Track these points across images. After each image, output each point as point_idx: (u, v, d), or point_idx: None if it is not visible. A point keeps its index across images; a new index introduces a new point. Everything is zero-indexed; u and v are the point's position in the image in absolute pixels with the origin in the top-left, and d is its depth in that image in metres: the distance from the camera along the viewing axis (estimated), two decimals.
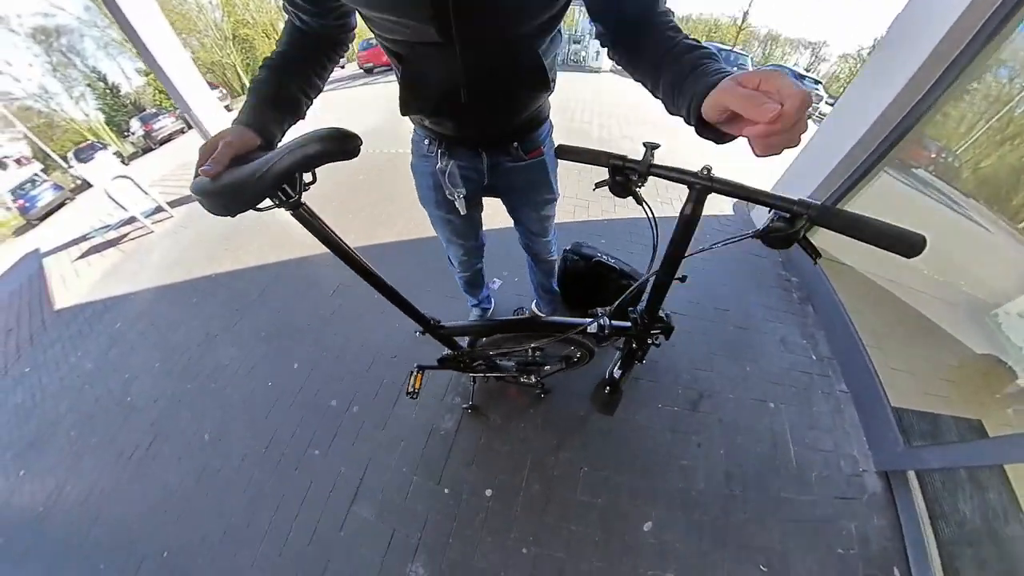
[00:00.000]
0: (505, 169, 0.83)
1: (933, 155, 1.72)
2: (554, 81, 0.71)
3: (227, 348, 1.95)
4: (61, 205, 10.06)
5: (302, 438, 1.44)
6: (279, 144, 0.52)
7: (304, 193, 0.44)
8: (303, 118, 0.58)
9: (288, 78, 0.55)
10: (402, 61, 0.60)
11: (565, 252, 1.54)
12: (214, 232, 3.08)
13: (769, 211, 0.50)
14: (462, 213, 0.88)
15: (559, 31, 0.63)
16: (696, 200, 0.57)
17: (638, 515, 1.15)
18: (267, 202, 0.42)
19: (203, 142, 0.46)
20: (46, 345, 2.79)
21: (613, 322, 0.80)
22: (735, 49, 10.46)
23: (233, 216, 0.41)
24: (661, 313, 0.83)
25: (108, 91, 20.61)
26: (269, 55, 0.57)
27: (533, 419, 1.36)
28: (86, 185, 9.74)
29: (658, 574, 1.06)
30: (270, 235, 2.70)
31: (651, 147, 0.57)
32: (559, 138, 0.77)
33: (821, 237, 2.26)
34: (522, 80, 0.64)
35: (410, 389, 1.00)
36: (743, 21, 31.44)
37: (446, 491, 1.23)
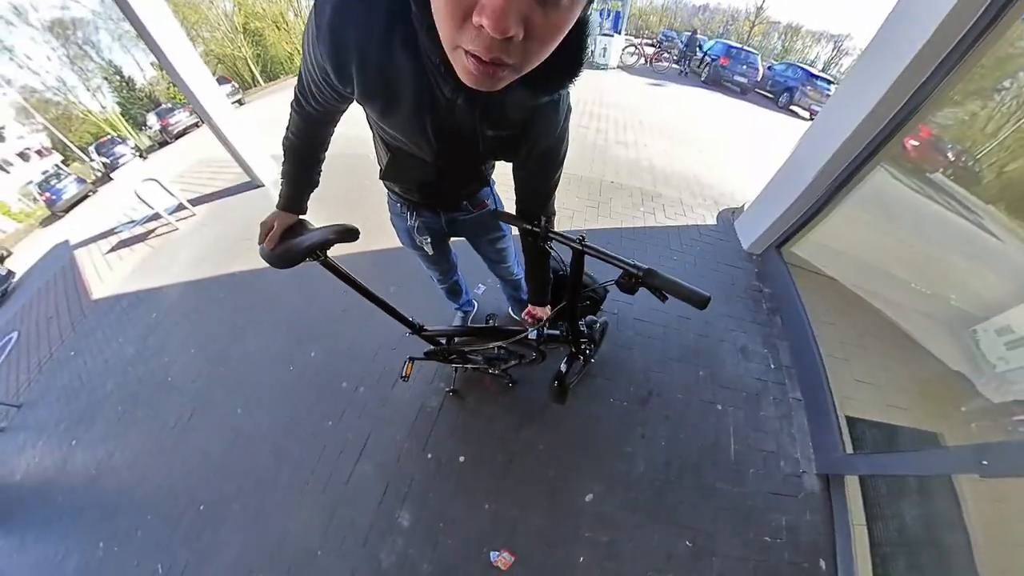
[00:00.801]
0: (459, 221, 1.06)
1: (952, 159, 1.64)
2: (490, 173, 0.97)
3: (253, 338, 2.28)
4: (84, 198, 10.64)
5: (317, 411, 1.76)
6: (306, 211, 0.84)
7: (328, 252, 0.74)
8: (319, 185, 0.86)
9: (306, 167, 0.81)
10: (391, 151, 0.75)
11: None
12: (234, 231, 3.43)
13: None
14: (429, 253, 1.15)
15: None
16: (576, 259, 0.81)
17: (582, 488, 1.39)
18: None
19: (262, 219, 0.79)
20: (87, 332, 3.16)
21: (547, 331, 1.09)
22: (745, 47, 10.21)
23: (286, 268, 0.72)
24: (583, 328, 1.10)
25: (124, 84, 21.36)
26: (285, 145, 0.78)
27: (502, 403, 1.63)
28: (107, 179, 10.26)
29: (595, 535, 1.28)
30: None
31: (546, 223, 0.80)
32: None
33: (803, 247, 2.13)
34: (471, 181, 0.91)
35: (403, 375, 1.28)
36: (756, 16, 30.44)
37: (429, 456, 1.52)
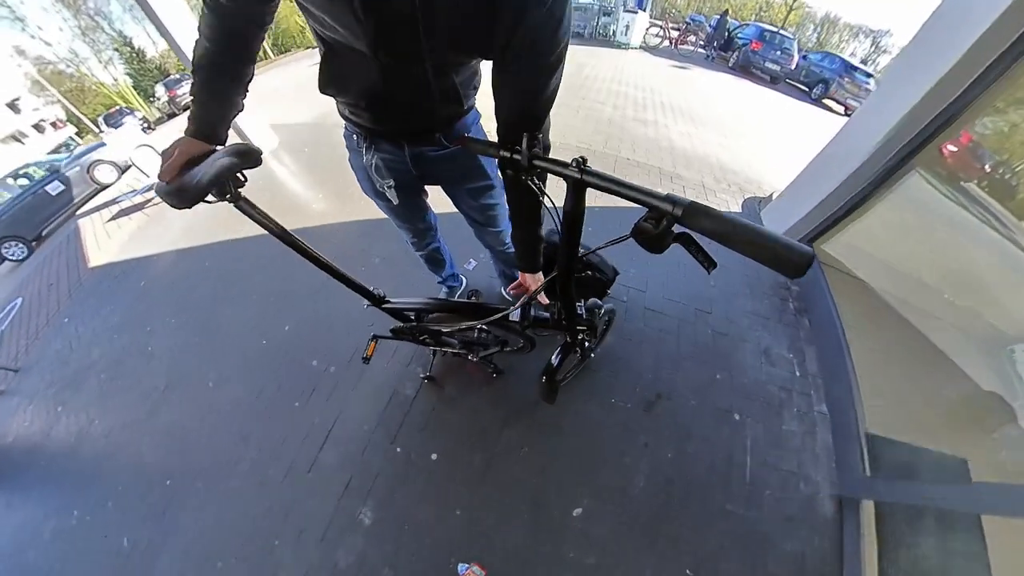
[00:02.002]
0: (429, 159, 0.86)
1: (988, 170, 1.57)
2: (471, 96, 0.78)
3: (232, 308, 2.22)
4: None
5: (286, 391, 1.67)
6: (224, 141, 0.65)
7: (242, 189, 0.58)
8: (243, 109, 0.68)
9: (220, 82, 0.64)
10: (328, 48, 0.65)
11: None
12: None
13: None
14: (394, 203, 0.95)
15: (478, 66, 0.71)
16: (574, 196, 0.54)
17: (569, 501, 1.24)
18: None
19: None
20: (82, 299, 3.24)
21: (534, 313, 0.88)
22: (781, 31, 9.46)
23: (188, 208, 0.55)
24: (581, 311, 0.88)
25: (134, 55, 21.87)
26: (197, 53, 0.62)
27: (485, 396, 1.47)
28: None
29: (579, 557, 1.14)
30: (276, 204, 2.94)
31: (531, 140, 0.53)
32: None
33: (834, 246, 2.13)
34: (435, 99, 0.70)
35: (365, 355, 1.13)
36: (795, 0, 28.37)
37: (398, 450, 1.39)
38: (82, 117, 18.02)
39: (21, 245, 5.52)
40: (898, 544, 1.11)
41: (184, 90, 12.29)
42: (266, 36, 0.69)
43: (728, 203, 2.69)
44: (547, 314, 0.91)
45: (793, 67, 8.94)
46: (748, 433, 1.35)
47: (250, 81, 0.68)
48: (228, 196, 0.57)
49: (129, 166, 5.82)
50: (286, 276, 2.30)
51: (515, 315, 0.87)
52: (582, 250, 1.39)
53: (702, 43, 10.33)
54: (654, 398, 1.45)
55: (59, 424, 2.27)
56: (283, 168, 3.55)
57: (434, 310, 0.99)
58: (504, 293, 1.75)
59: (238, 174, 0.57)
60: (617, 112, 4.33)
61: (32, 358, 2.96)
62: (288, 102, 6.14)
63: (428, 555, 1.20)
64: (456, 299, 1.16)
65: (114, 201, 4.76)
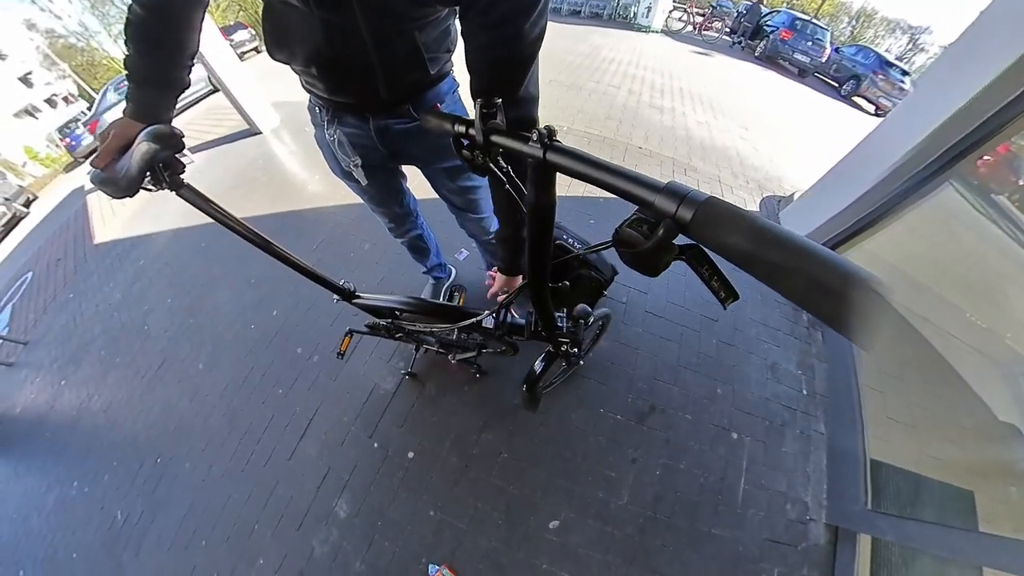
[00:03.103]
0: (396, 133, 0.78)
1: (1022, 183, 1.49)
2: (441, 61, 0.68)
3: (225, 291, 2.26)
4: None
5: (271, 377, 1.71)
6: (169, 122, 0.58)
7: (183, 175, 0.53)
8: (188, 85, 0.61)
9: (159, 55, 0.57)
10: (266, 6, 0.59)
11: None
12: (226, 180, 3.42)
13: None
14: (363, 183, 0.88)
15: (451, 24, 0.62)
16: (539, 181, 0.41)
17: (547, 511, 1.22)
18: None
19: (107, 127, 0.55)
20: (86, 275, 3.36)
21: (511, 319, 0.83)
22: (815, 20, 8.92)
23: (123, 198, 0.54)
24: (561, 322, 0.81)
25: None
26: (130, 23, 0.55)
27: (466, 397, 1.46)
28: None
29: (553, 569, 1.13)
30: (272, 187, 2.97)
31: (487, 106, 0.41)
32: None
33: (855, 255, 2.03)
34: (394, 62, 0.62)
35: (339, 350, 1.12)
36: None
37: (375, 445, 1.41)
38: (93, 92, 18.44)
39: None
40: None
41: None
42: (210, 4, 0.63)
43: (746, 200, 2.57)
44: (521, 321, 0.85)
45: (824, 60, 8.47)
46: (745, 453, 1.31)
47: (194, 55, 0.61)
48: (165, 184, 0.52)
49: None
50: (275, 260, 2.33)
51: (488, 321, 0.81)
52: (578, 248, 1.32)
53: (727, 30, 9.93)
54: (647, 410, 1.40)
55: (62, 397, 2.40)
56: (283, 147, 3.57)
57: (405, 310, 0.96)
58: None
59: (176, 158, 0.52)
60: (632, 97, 4.16)
61: (40, 332, 3.11)
62: (290, 79, 6.10)
63: (400, 552, 1.22)
64: (429, 299, 1.12)
65: None
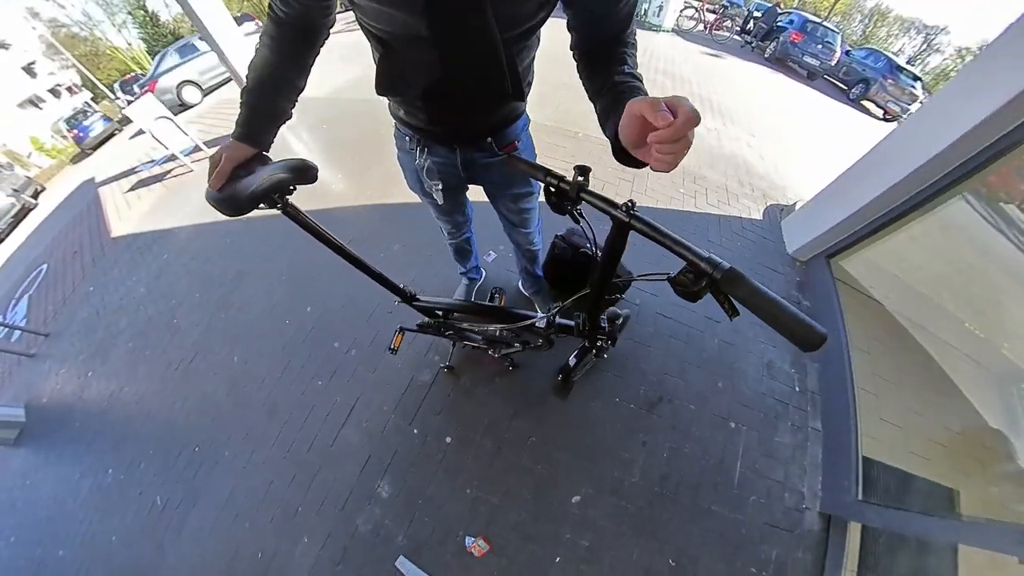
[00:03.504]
0: (479, 165, 0.92)
1: None
2: (528, 88, 0.79)
3: (254, 286, 2.36)
4: (110, 136, 11.38)
5: (309, 369, 1.81)
6: (270, 146, 0.70)
7: (290, 196, 0.63)
8: (291, 117, 0.72)
9: (274, 90, 0.68)
10: (384, 46, 0.65)
11: (556, 237, 1.67)
12: None
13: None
14: (440, 203, 1.01)
15: (537, 37, 0.72)
16: (617, 234, 0.58)
17: (569, 488, 1.37)
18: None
19: (212, 153, 0.64)
20: (105, 268, 3.44)
21: (559, 320, 0.95)
22: (825, 23, 8.95)
23: (237, 216, 0.59)
24: (603, 323, 0.93)
25: (148, 19, 21.98)
26: (255, 60, 0.67)
27: (498, 387, 1.60)
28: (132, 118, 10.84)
29: (575, 539, 1.29)
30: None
31: (582, 170, 0.55)
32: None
33: (853, 264, 1.93)
34: (497, 88, 0.69)
35: (391, 346, 1.23)
36: None
37: (415, 431, 1.54)
38: (97, 82, 18.35)
39: None
40: (877, 564, 1.19)
41: None
42: (317, 51, 0.74)
43: (751, 209, 2.67)
44: (571, 323, 0.98)
45: (834, 63, 8.47)
46: (741, 441, 1.45)
47: (300, 92, 0.73)
48: (279, 205, 0.62)
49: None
50: (305, 255, 2.42)
51: (541, 323, 0.95)
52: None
53: (738, 29, 9.84)
54: (656, 400, 1.55)
55: (90, 388, 2.49)
56: (300, 145, 3.65)
57: (462, 311, 1.07)
58: (521, 288, 1.84)
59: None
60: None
61: (60, 324, 3.19)
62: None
63: (439, 527, 1.35)
64: (482, 302, 1.25)
65: (132, 171, 4.94)
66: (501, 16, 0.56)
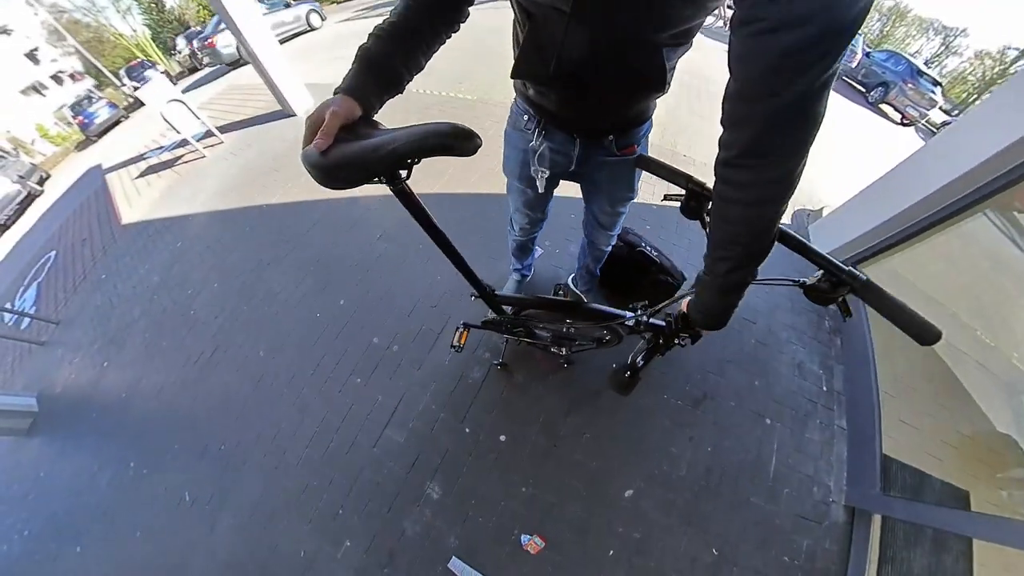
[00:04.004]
0: (595, 161, 0.89)
1: None
2: (670, 84, 0.74)
3: (278, 276, 2.29)
4: (116, 123, 11.29)
5: (345, 366, 1.75)
6: (375, 115, 0.56)
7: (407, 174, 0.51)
8: (401, 93, 0.62)
9: (395, 50, 0.58)
10: (530, 20, 0.63)
11: None
12: (263, 162, 3.43)
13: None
14: (540, 191, 0.97)
15: (690, 44, 0.67)
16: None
17: (623, 482, 1.41)
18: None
19: (309, 112, 0.52)
20: (117, 255, 3.37)
21: (651, 320, 0.90)
22: None
23: (340, 189, 0.46)
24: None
25: (153, 5, 21.80)
26: (380, 24, 0.60)
27: (551, 384, 1.59)
28: (139, 104, 10.77)
29: (627, 531, 1.33)
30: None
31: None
32: None
33: (875, 271, 1.96)
34: (640, 77, 0.67)
35: (455, 343, 1.19)
36: None
37: (467, 430, 1.50)
38: (102, 68, 18.17)
39: None
40: (895, 557, 1.27)
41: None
42: (449, 34, 0.66)
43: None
44: (662, 323, 0.93)
45: (854, 65, 8.46)
46: (776, 437, 1.52)
47: (418, 72, 0.63)
48: (396, 181, 0.50)
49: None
50: (333, 246, 2.35)
51: (630, 320, 0.91)
52: (650, 249, 1.37)
53: None
54: (701, 397, 1.60)
55: (106, 379, 2.43)
56: None
57: (542, 306, 1.01)
58: (570, 283, 1.78)
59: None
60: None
61: (72, 312, 3.13)
62: (323, 59, 6.08)
63: (493, 526, 1.33)
64: (561, 298, 1.20)
65: (141, 157, 4.87)
66: (650, 14, 0.54)
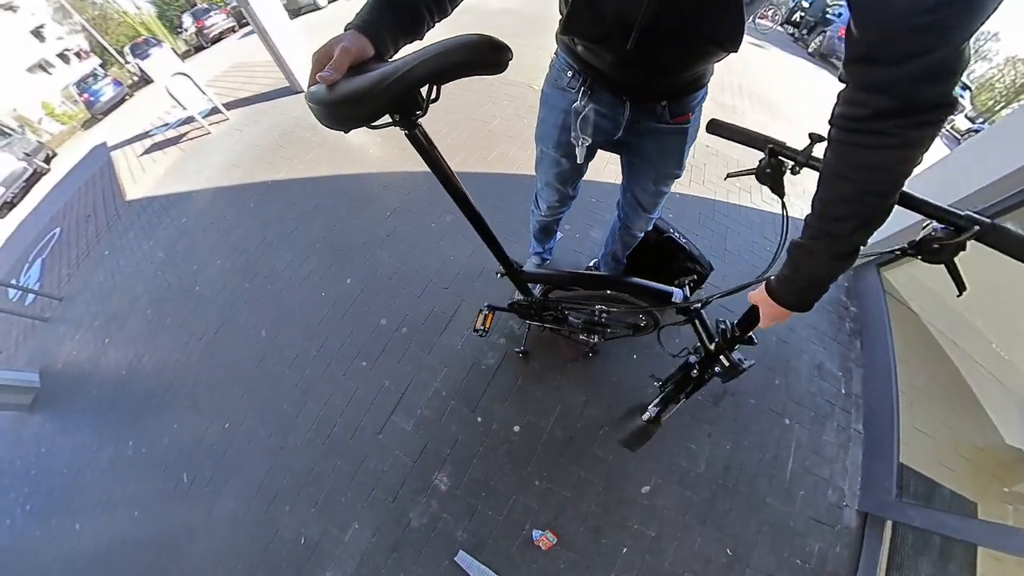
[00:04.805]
0: (644, 128, 0.82)
1: None
2: (721, 58, 0.70)
3: (282, 254, 2.23)
4: (122, 101, 11.37)
5: (351, 348, 1.69)
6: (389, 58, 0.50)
7: (421, 114, 0.44)
8: (420, 39, 0.56)
9: None
10: None
11: None
12: (269, 139, 3.37)
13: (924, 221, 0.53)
14: (578, 161, 0.89)
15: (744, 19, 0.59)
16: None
17: (640, 478, 1.38)
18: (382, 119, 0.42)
19: (318, 48, 0.46)
20: (121, 232, 3.36)
21: (701, 308, 0.81)
22: None
23: (347, 130, 0.41)
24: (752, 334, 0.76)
25: None
26: None
27: (570, 374, 1.54)
28: (144, 82, 10.80)
29: (642, 529, 1.31)
30: (327, 148, 2.91)
31: (817, 139, 0.58)
32: None
33: (896, 275, 1.93)
34: (713, 31, 0.60)
35: (479, 327, 1.13)
36: None
37: (479, 419, 1.45)
38: (107, 46, 18.21)
39: None
40: (903, 564, 1.29)
41: (213, 21, 12.14)
42: None
43: (802, 211, 2.55)
44: (710, 326, 0.83)
45: None
46: (794, 437, 1.52)
47: (441, 18, 0.58)
48: (411, 118, 0.44)
49: None
50: (340, 223, 2.29)
51: (678, 297, 0.84)
52: (683, 240, 1.39)
53: (783, 19, 9.63)
54: (721, 393, 1.57)
55: (107, 356, 2.42)
56: None
57: (575, 281, 0.93)
58: (593, 269, 1.71)
59: (421, 94, 0.43)
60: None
61: (74, 288, 3.13)
62: (333, 27, 6.02)
63: (503, 522, 1.29)
64: (599, 272, 1.12)
65: (146, 134, 4.85)
66: None
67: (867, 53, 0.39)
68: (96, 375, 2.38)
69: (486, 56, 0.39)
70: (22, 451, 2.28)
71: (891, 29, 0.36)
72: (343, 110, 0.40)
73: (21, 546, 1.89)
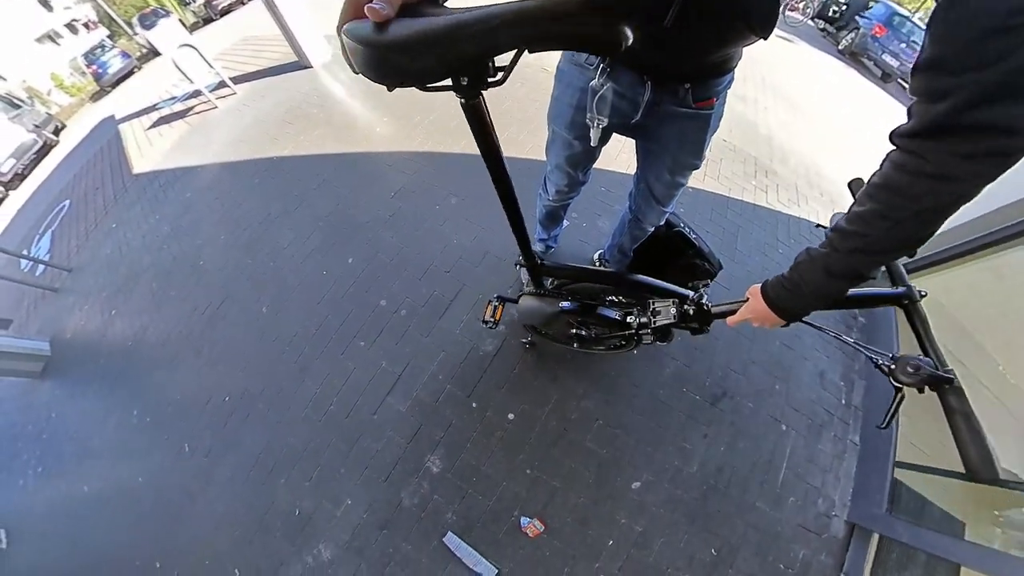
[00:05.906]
0: (664, 112, 0.79)
1: None
2: (753, 41, 0.67)
3: (285, 231, 2.27)
4: (130, 73, 11.46)
5: (350, 328, 1.73)
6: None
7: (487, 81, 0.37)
8: None
9: None
10: None
11: None
12: (276, 114, 3.38)
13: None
14: (592, 144, 0.86)
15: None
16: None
17: (631, 474, 1.41)
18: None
19: None
20: (128, 205, 3.45)
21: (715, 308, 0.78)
22: (913, 18, 8.06)
23: (393, 87, 0.33)
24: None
25: None
26: None
27: (569, 364, 1.56)
28: (153, 54, 10.86)
29: (630, 523, 1.34)
30: (333, 125, 2.91)
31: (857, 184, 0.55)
32: None
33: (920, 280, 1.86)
34: (747, 11, 0.58)
35: (487, 318, 1.12)
36: None
37: (474, 405, 1.48)
38: (115, 17, 18.28)
39: None
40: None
41: None
42: None
43: (819, 214, 2.51)
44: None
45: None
46: (790, 444, 1.54)
47: None
48: (481, 84, 0.37)
49: None
50: (345, 202, 2.31)
51: (689, 304, 0.80)
52: (694, 236, 1.37)
53: (813, 13, 9.30)
54: (720, 394, 1.59)
55: (113, 327, 2.51)
56: (339, 84, 3.48)
57: (595, 278, 0.92)
58: (597, 261, 1.69)
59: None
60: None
61: (83, 259, 3.24)
62: (338, 9, 5.95)
63: (493, 507, 1.33)
64: (611, 270, 1.11)
65: (153, 107, 4.91)
66: None
67: (930, 57, 0.36)
68: (104, 345, 2.47)
69: (609, 30, 0.34)
70: (33, 416, 2.40)
71: (972, 30, 0.32)
72: (400, 58, 0.31)
73: (33, 506, 2.01)
